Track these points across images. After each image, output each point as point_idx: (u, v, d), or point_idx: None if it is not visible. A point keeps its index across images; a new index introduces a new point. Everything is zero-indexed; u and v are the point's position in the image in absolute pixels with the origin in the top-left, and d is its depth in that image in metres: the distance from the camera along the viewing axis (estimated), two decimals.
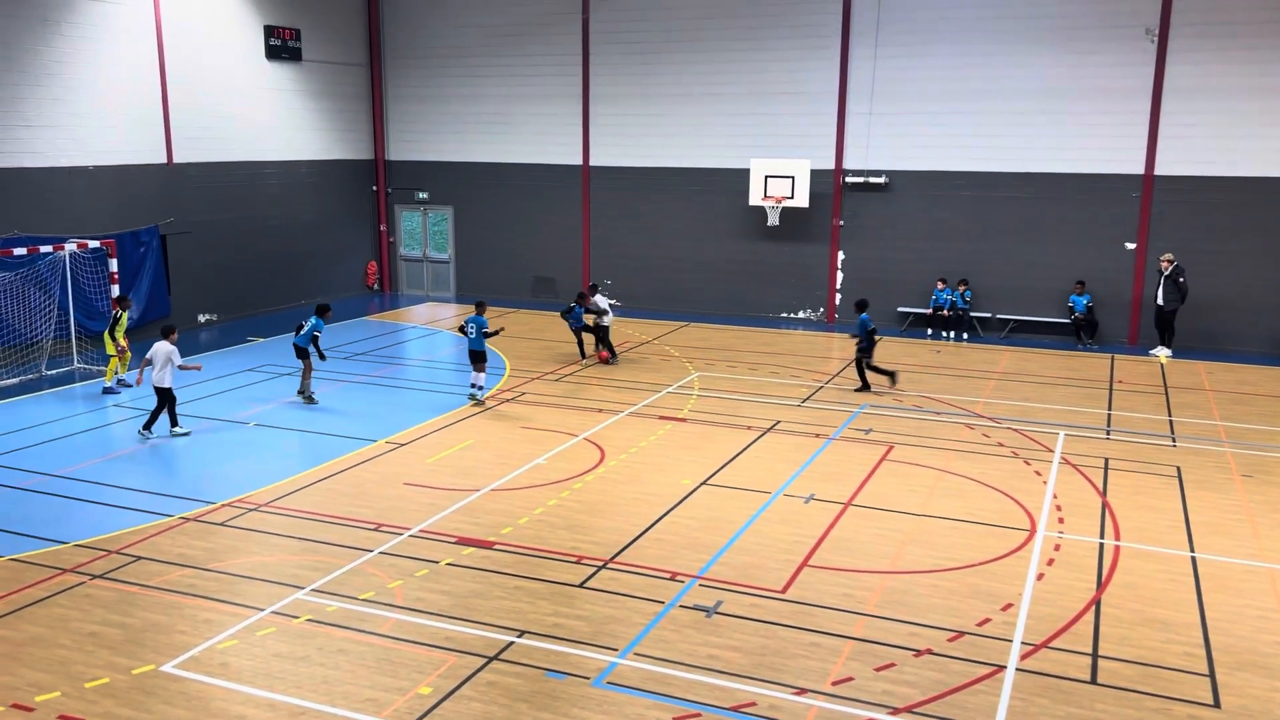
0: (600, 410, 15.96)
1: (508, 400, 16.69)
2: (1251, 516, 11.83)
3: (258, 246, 24.28)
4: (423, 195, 27.81)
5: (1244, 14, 20.12)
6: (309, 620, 9.01)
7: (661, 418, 15.69)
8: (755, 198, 23.59)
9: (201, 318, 23.07)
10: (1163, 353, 20.76)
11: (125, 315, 16.94)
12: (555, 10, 25.38)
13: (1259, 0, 19.95)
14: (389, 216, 28.28)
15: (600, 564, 10.26)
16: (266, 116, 24.43)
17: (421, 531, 11.06)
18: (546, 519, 11.49)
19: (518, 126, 26.40)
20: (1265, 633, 8.96)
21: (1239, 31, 20.20)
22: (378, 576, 9.91)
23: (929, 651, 8.56)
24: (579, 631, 8.86)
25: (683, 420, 15.59)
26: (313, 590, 9.59)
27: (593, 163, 25.79)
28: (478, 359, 16.33)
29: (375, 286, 28.18)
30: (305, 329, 16.34)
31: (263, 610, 9.18)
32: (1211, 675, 8.24)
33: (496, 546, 10.69)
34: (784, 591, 9.67)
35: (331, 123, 26.42)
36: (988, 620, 9.12)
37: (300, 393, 16.47)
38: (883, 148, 23.24)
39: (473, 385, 16.46)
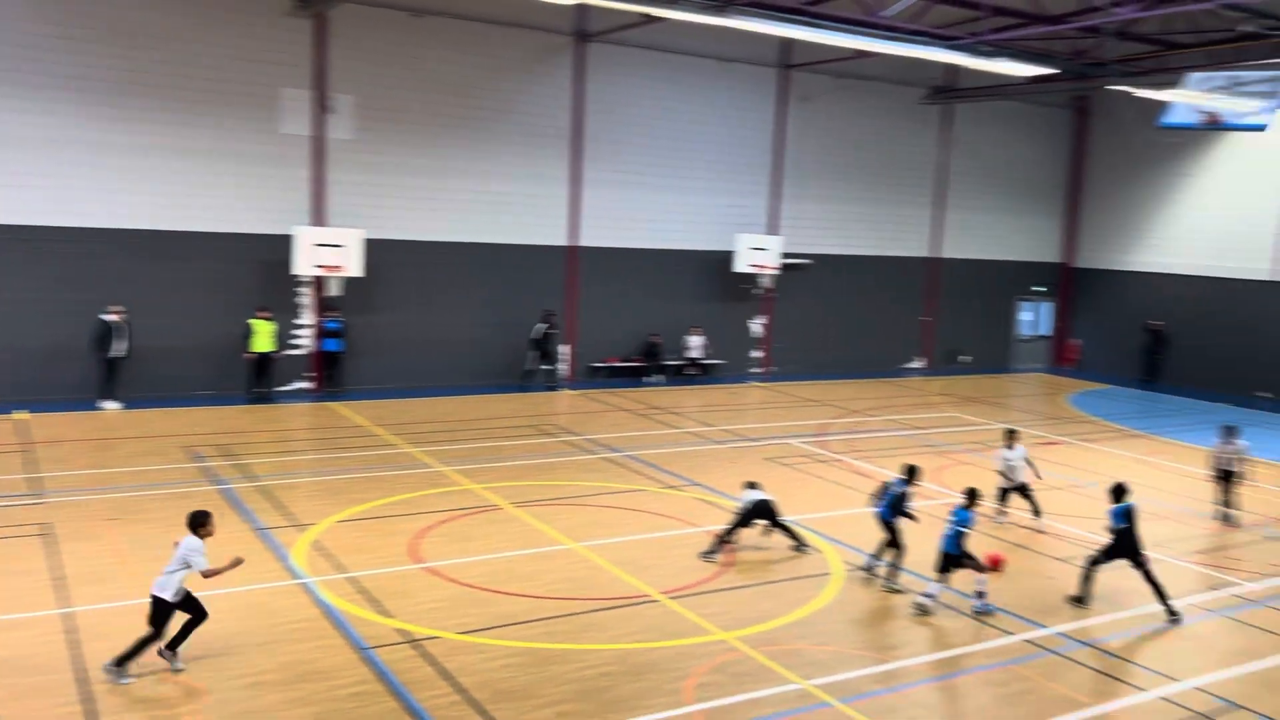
0: None
1: None
2: (123, 557, 12.08)
3: None
4: None
5: (57, 67, 20.37)
6: None
7: None
8: None
9: None
10: (111, 405, 20.58)
11: None
12: None
13: (71, 56, 20.42)
14: None
15: None
16: None
17: None
18: None
19: None
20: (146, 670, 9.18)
21: (56, 83, 20.32)
22: None
23: None
24: None
25: None
26: None
27: None
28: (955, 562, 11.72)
29: None
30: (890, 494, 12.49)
31: None
32: None
33: None
34: None
35: None
36: None
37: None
38: None
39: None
